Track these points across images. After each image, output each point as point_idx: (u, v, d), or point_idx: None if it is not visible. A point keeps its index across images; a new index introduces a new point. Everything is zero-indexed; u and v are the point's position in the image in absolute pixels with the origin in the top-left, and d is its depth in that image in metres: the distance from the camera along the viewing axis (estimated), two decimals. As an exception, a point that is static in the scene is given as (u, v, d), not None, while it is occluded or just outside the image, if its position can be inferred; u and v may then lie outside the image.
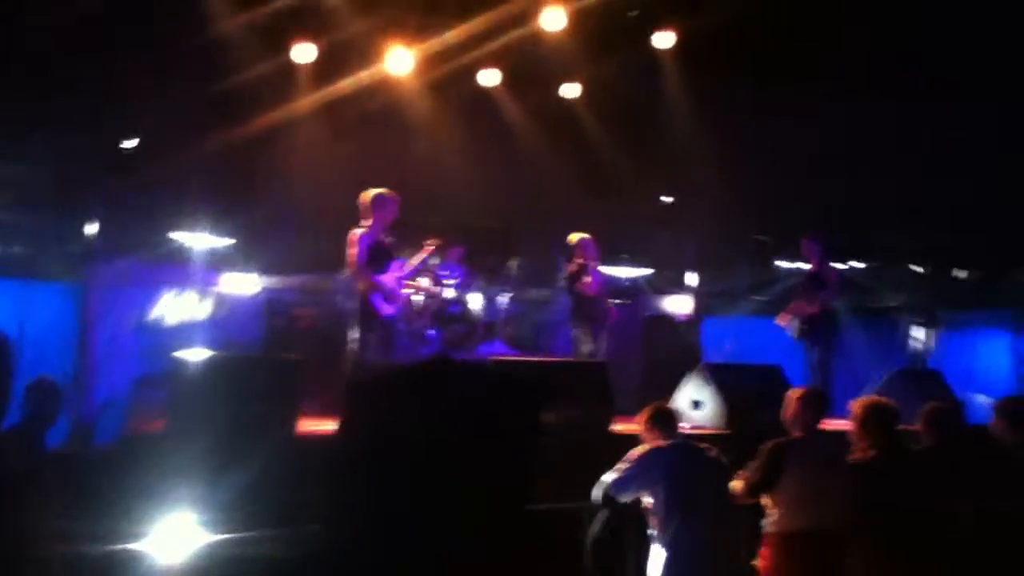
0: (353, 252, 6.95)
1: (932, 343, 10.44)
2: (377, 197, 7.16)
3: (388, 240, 7.20)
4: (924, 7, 9.07)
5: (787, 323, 8.50)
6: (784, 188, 11.11)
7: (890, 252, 10.84)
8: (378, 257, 7.03)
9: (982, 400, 8.87)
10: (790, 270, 11.36)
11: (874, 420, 4.64)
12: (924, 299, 10.60)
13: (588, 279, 8.13)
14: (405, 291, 7.61)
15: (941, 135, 9.49)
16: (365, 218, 7.13)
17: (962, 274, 10.55)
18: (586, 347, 8.04)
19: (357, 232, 7.02)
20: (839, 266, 9.08)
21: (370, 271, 6.94)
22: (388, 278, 7.06)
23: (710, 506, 4.47)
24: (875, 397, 4.89)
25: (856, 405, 4.75)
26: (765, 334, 10.20)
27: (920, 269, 10.91)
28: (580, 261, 8.21)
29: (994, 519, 4.49)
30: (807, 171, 10.94)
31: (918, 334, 10.49)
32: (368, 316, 6.96)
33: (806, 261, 8.71)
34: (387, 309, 7.04)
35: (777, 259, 11.56)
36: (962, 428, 5.89)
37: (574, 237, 8.35)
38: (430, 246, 7.77)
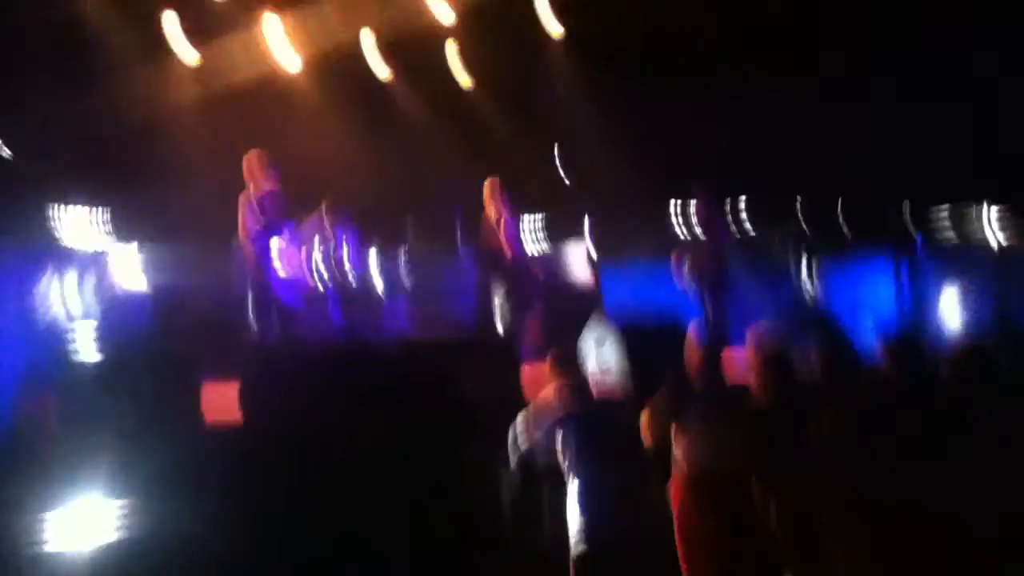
0: (243, 213, 6.78)
1: (817, 276, 10.83)
2: (257, 155, 6.95)
3: (276, 198, 7.00)
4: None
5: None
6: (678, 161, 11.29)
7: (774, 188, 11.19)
8: (269, 216, 6.84)
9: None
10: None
11: (769, 363, 4.78)
12: (807, 230, 10.97)
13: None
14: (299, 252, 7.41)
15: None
16: (252, 180, 6.94)
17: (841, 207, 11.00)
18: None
19: (245, 194, 6.85)
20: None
21: (262, 233, 6.78)
22: (280, 241, 6.88)
23: (619, 457, 4.58)
24: (768, 340, 4.98)
25: (751, 350, 4.87)
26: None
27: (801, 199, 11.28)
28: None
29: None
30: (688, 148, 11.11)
31: (803, 264, 10.86)
32: (260, 277, 6.81)
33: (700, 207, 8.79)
34: (276, 271, 6.88)
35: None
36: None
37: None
38: (324, 204, 7.62)
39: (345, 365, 3.92)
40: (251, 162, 6.91)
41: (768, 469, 4.66)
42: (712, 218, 8.85)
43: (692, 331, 7.63)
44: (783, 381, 4.75)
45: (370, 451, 3.66)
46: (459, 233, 10.38)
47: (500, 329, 7.98)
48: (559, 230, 11.29)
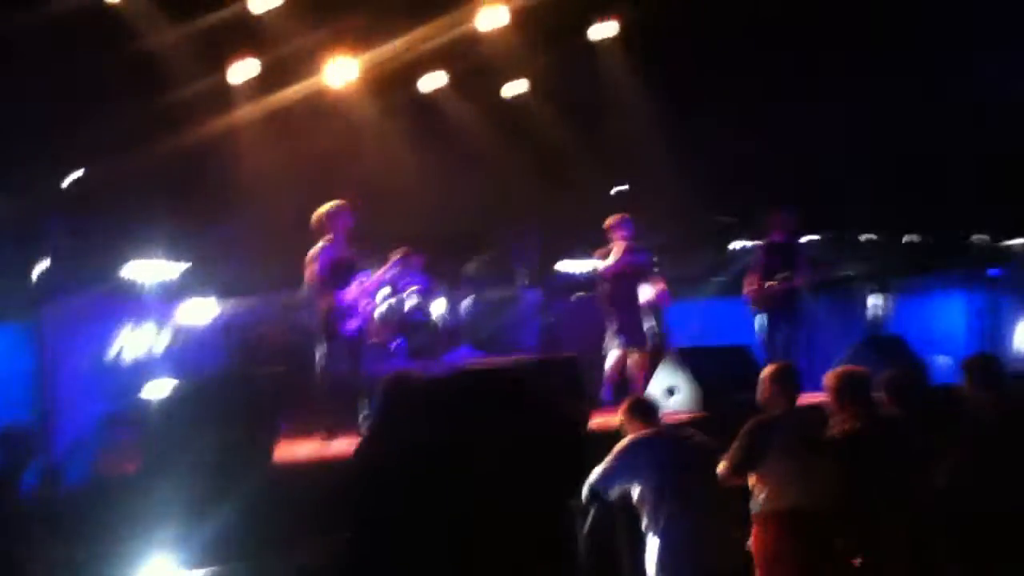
0: (313, 269, 6.89)
1: (888, 309, 10.62)
2: (330, 211, 7.10)
3: (349, 253, 7.13)
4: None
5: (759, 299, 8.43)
6: (736, 169, 11.25)
7: (841, 222, 11.00)
8: (339, 272, 6.96)
9: (943, 361, 9.05)
10: (746, 249, 11.48)
11: (849, 391, 4.69)
12: (878, 266, 10.77)
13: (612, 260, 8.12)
14: (368, 305, 7.50)
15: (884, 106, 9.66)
16: (323, 234, 7.06)
17: (913, 238, 10.75)
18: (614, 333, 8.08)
19: (317, 248, 6.95)
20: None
21: (330, 288, 6.89)
22: (348, 294, 7.00)
23: (698, 492, 4.49)
24: (848, 367, 4.94)
25: (830, 377, 4.80)
26: (727, 315, 10.32)
27: (872, 236, 11.08)
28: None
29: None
30: (756, 152, 11.09)
31: (875, 301, 10.67)
32: (331, 332, 6.91)
33: (780, 235, 8.55)
34: (348, 326, 6.99)
35: (732, 241, 11.66)
36: (926, 391, 5.99)
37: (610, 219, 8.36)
38: (396, 256, 7.69)
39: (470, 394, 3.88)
40: (320, 215, 7.04)
41: (862, 499, 4.55)
42: (789, 247, 8.56)
43: (765, 359, 7.60)
44: (862, 408, 4.65)
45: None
46: (522, 269, 10.39)
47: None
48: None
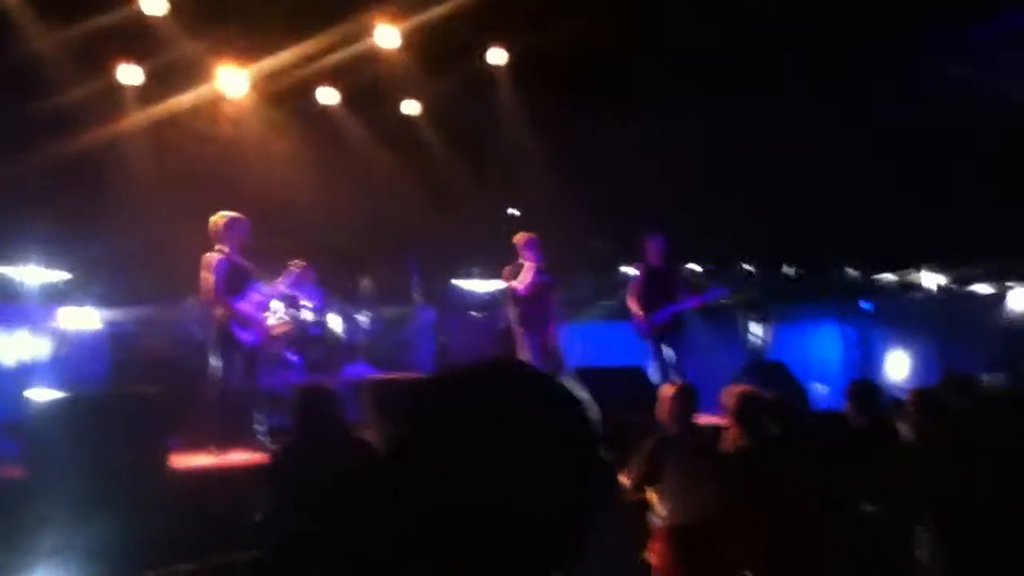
0: (209, 277, 6.73)
1: (768, 337, 11.09)
2: (229, 220, 6.98)
3: (244, 263, 7.01)
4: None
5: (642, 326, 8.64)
6: (617, 197, 11.56)
7: (721, 252, 11.43)
8: (236, 281, 6.84)
9: (819, 388, 9.52)
10: (628, 276, 11.82)
11: (746, 409, 4.89)
12: (757, 296, 11.24)
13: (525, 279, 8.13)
14: (265, 316, 7.38)
15: (764, 141, 10.08)
16: (218, 242, 6.93)
17: (790, 271, 11.26)
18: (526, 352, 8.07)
19: (212, 256, 6.81)
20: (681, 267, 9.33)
21: (227, 296, 6.75)
22: (245, 304, 6.89)
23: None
24: (746, 387, 5.13)
25: (728, 396, 4.99)
26: (614, 339, 10.58)
27: (751, 268, 11.55)
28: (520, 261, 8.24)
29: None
30: (641, 179, 11.44)
31: (755, 329, 11.13)
32: (228, 342, 6.76)
33: (656, 260, 8.76)
34: (246, 336, 6.86)
35: (617, 266, 11.98)
36: (807, 414, 6.29)
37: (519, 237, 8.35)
38: (294, 269, 7.59)
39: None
40: (218, 223, 6.91)
41: (748, 514, 4.75)
42: (668, 263, 8.83)
43: (658, 378, 7.83)
44: (756, 427, 4.85)
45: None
46: (417, 288, 10.39)
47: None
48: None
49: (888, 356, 9.89)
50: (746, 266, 11.54)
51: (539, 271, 8.18)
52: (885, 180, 9.24)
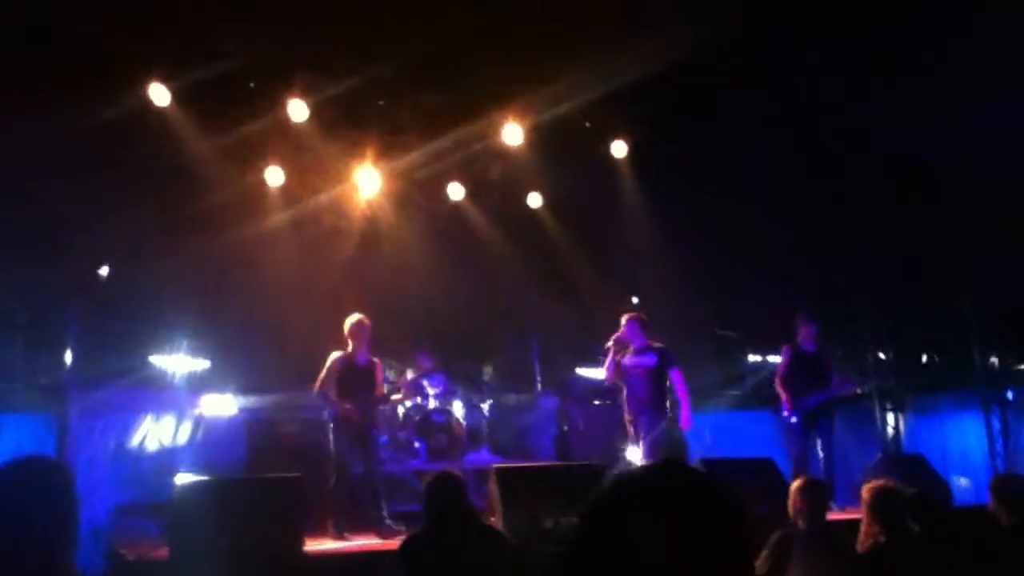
0: (321, 374, 7.16)
1: (903, 428, 10.65)
2: (353, 323, 7.33)
3: (364, 361, 7.30)
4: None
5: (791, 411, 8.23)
6: (742, 285, 11.44)
7: (855, 339, 11.10)
8: (348, 378, 7.19)
9: (961, 482, 9.04)
10: (756, 364, 11.59)
11: (883, 505, 4.72)
12: (892, 384, 10.83)
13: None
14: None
15: (894, 225, 9.88)
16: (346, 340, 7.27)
17: (928, 357, 10.84)
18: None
19: (335, 354, 7.25)
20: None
21: (334, 392, 7.13)
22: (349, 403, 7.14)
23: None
24: (884, 482, 4.95)
25: (866, 491, 4.83)
26: (740, 428, 10.36)
27: (883, 355, 11.17)
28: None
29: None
30: (764, 265, 11.31)
31: (890, 419, 10.70)
32: (339, 432, 7.11)
33: (808, 343, 8.40)
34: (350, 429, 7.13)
35: (743, 355, 11.78)
36: (950, 511, 5.99)
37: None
38: (421, 371, 7.87)
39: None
40: (355, 326, 7.26)
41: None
42: (817, 356, 8.39)
43: (793, 470, 7.59)
44: (895, 523, 4.67)
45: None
46: (538, 373, 10.51)
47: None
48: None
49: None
50: (880, 353, 11.17)
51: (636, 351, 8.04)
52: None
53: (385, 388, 7.56)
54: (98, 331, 8.53)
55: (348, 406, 7.02)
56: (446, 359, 9.46)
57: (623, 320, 8.09)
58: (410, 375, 7.80)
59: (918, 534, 4.93)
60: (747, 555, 1.37)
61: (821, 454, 8.08)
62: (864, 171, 9.93)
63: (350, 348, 7.27)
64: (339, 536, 6.71)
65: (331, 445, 7.16)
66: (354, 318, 7.35)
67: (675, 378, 7.90)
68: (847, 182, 10.17)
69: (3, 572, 2.32)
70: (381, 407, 7.84)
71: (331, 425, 7.18)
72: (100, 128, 8.45)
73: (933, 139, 9.27)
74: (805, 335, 8.37)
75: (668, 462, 1.45)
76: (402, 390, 8.16)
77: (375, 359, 7.42)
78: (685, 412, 7.81)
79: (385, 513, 6.92)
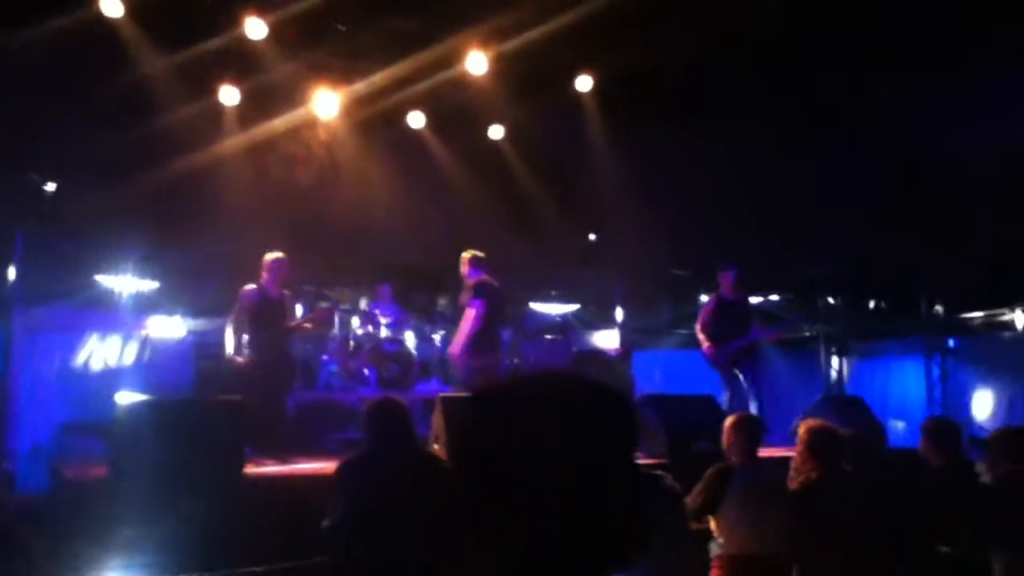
0: (234, 307, 7.34)
1: (847, 371, 10.87)
2: (276, 259, 7.49)
3: (276, 294, 7.45)
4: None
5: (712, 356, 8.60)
6: (701, 225, 11.50)
7: (806, 284, 11.25)
8: (262, 310, 7.32)
9: (898, 425, 9.27)
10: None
11: (818, 443, 4.82)
12: (838, 329, 11.03)
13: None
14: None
15: (846, 168, 9.92)
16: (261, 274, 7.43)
17: (874, 304, 11.02)
18: None
19: (247, 287, 7.39)
20: (753, 298, 9.25)
21: (247, 324, 7.27)
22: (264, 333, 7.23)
23: (667, 531, 4.56)
24: (821, 422, 5.05)
25: (803, 428, 4.92)
26: (690, 366, 10.49)
27: (832, 300, 11.33)
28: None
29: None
30: (721, 208, 11.37)
31: (834, 363, 10.91)
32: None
33: (728, 292, 8.79)
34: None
35: (697, 294, 11.88)
36: (882, 452, 6.14)
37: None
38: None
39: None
40: (276, 263, 7.36)
41: (809, 551, 4.68)
42: (739, 294, 8.79)
43: (727, 408, 7.76)
44: (829, 461, 4.77)
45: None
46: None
47: None
48: (589, 314, 11.41)
49: (973, 395, 9.57)
50: (829, 299, 11.33)
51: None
52: (977, 214, 8.99)
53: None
54: (44, 248, 8.36)
55: (239, 355, 7.18)
56: (399, 290, 9.43)
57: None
58: (363, 304, 7.78)
59: (850, 473, 5.05)
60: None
61: (750, 393, 8.33)
62: (816, 114, 9.93)
63: (263, 281, 7.41)
64: (286, 461, 6.74)
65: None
66: (277, 255, 7.49)
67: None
68: (801, 124, 10.15)
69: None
70: (301, 335, 8.01)
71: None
72: (50, 39, 8.21)
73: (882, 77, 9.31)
74: (725, 284, 8.66)
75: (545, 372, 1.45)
76: (315, 321, 8.14)
77: (287, 292, 7.62)
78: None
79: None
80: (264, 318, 7.28)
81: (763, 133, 10.44)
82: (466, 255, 7.68)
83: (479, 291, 7.43)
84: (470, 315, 7.49)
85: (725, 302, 8.74)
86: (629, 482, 1.36)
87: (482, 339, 7.29)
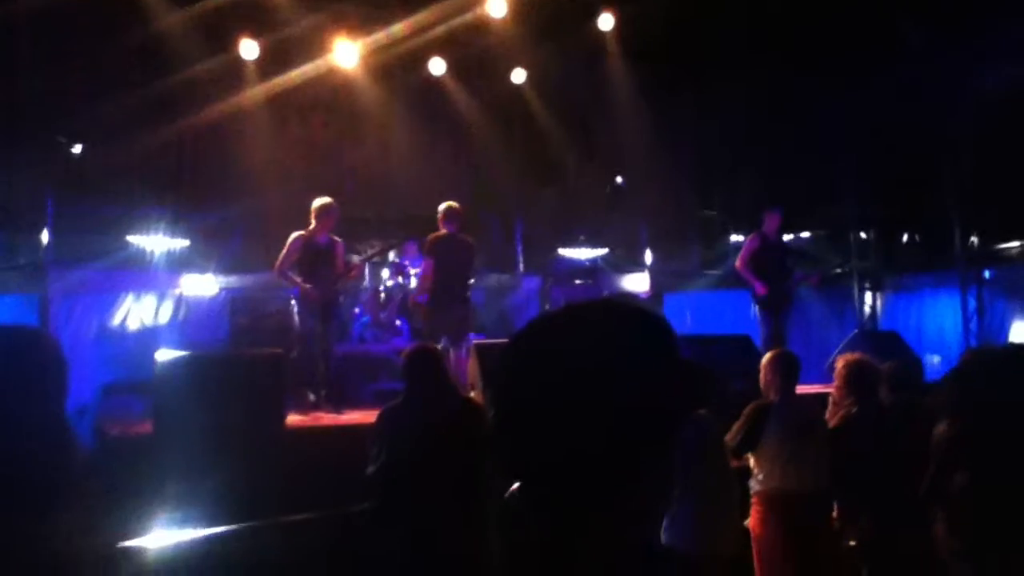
0: (281, 253, 7.15)
1: (880, 307, 10.78)
2: (324, 205, 7.29)
3: (325, 241, 7.29)
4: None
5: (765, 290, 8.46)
6: (728, 165, 11.39)
7: (837, 220, 11.13)
8: (309, 257, 7.20)
9: (934, 360, 9.21)
10: (737, 243, 11.62)
11: (857, 377, 4.80)
12: (871, 264, 10.92)
13: None
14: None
15: (879, 103, 9.75)
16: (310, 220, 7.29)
17: (907, 238, 10.89)
18: None
19: (294, 234, 7.22)
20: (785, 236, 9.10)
21: (294, 271, 7.15)
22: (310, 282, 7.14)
23: (703, 472, 4.58)
24: (859, 355, 5.02)
25: (840, 363, 4.90)
26: (721, 307, 10.46)
27: (865, 235, 11.22)
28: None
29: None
30: (749, 147, 11.24)
31: (868, 299, 10.82)
32: (303, 309, 7.20)
33: (767, 232, 8.59)
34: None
35: (726, 235, 11.81)
36: (922, 384, 6.09)
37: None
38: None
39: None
40: (323, 208, 7.19)
41: (848, 484, 4.69)
42: (780, 246, 8.68)
43: (764, 347, 7.72)
44: (867, 396, 4.75)
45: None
46: (520, 254, 10.52)
47: None
48: (618, 258, 11.38)
49: (1010, 327, 9.46)
50: (861, 234, 11.21)
51: None
52: (1011, 142, 8.80)
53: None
54: (75, 211, 8.44)
55: (308, 285, 7.04)
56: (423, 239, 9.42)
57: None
58: (392, 256, 7.79)
59: (889, 406, 5.03)
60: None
61: (780, 332, 8.28)
62: (843, 48, 9.73)
63: (312, 227, 7.25)
64: (314, 408, 6.85)
65: (295, 322, 7.31)
66: (325, 200, 7.31)
67: None
68: (826, 71, 9.95)
69: None
70: (343, 285, 7.85)
71: (293, 303, 7.36)
72: (68, 4, 8.20)
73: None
74: (771, 225, 8.51)
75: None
76: (355, 270, 8.11)
77: (336, 239, 7.40)
78: None
79: (323, 393, 7.04)
80: (312, 265, 7.17)
81: (790, 67, 10.26)
82: (440, 208, 7.58)
83: (428, 249, 7.35)
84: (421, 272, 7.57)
85: (769, 243, 8.57)
86: (670, 413, 1.35)
87: (437, 294, 7.20)
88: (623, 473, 1.30)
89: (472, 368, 6.45)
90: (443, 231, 7.36)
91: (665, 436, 1.35)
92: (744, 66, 10.47)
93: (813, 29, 9.88)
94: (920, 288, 10.49)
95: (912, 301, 10.48)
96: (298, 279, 7.07)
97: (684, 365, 1.38)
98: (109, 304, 8.30)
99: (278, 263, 7.12)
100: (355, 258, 8.11)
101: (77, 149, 8.53)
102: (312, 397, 6.98)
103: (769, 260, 8.43)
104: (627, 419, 1.30)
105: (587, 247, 11.18)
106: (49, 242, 8.22)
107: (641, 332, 1.35)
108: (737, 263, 8.55)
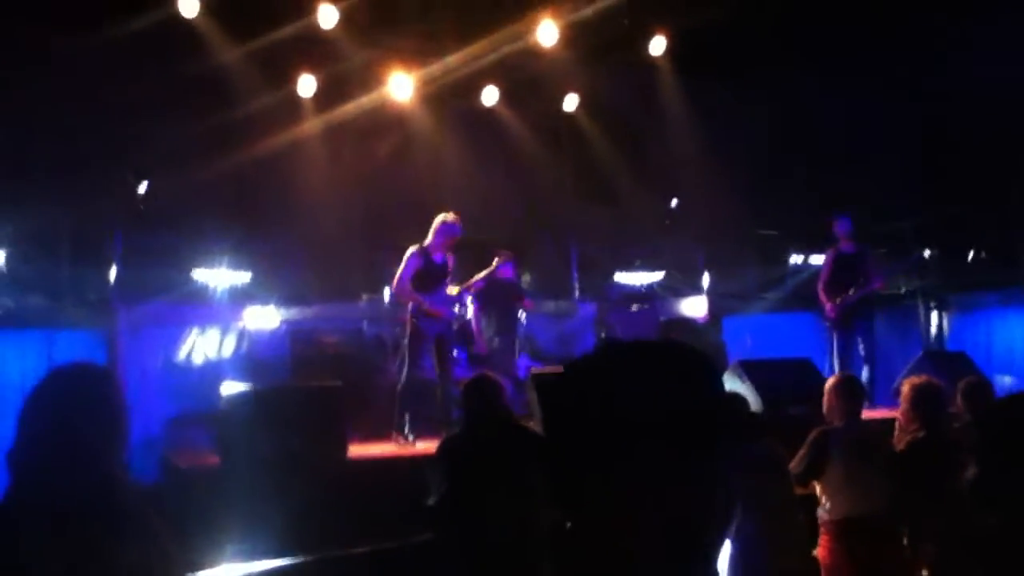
0: (399, 270, 7.07)
1: (946, 326, 10.52)
2: (445, 221, 7.23)
3: (440, 259, 7.21)
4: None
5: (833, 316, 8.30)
6: (785, 183, 11.26)
7: (900, 237, 10.92)
8: (424, 274, 7.10)
9: (1005, 380, 8.95)
10: (797, 265, 11.47)
11: (924, 401, 4.71)
12: (936, 282, 10.68)
13: None
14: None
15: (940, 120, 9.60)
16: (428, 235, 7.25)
17: (972, 255, 10.62)
18: None
19: (411, 249, 7.13)
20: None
21: (412, 289, 7.03)
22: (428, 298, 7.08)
23: (770, 495, 4.52)
24: (926, 378, 4.92)
25: (907, 386, 4.81)
26: (782, 329, 10.31)
27: (928, 253, 10.98)
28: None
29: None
30: (806, 165, 11.12)
31: (933, 318, 10.57)
32: (413, 333, 7.09)
33: (847, 245, 8.37)
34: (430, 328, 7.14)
35: (786, 255, 11.65)
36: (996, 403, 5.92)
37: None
38: (498, 261, 7.89)
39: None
40: (443, 225, 7.17)
41: (917, 511, 4.58)
42: (856, 256, 8.39)
43: (834, 370, 7.60)
44: (935, 419, 4.65)
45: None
46: (576, 280, 10.50)
47: None
48: (675, 281, 11.30)
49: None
50: (925, 251, 10.97)
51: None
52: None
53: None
54: (141, 247, 8.64)
55: (428, 306, 6.96)
56: (483, 268, 9.47)
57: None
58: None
59: (958, 429, 4.91)
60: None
61: (863, 354, 8.10)
62: (899, 71, 9.61)
63: (428, 244, 7.15)
64: (404, 441, 6.77)
65: (405, 343, 7.19)
66: (447, 216, 7.22)
67: None
68: (884, 83, 9.82)
69: (53, 477, 2.36)
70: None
71: (409, 322, 7.15)
72: (131, 41, 8.43)
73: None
74: (842, 234, 8.35)
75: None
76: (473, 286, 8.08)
77: (450, 255, 7.32)
78: None
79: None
80: (425, 282, 7.07)
81: (849, 80, 10.16)
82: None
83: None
84: None
85: (843, 255, 8.37)
86: (724, 444, 1.35)
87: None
88: (679, 515, 1.30)
89: (530, 397, 6.45)
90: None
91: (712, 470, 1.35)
92: (798, 82, 10.40)
93: (871, 43, 9.79)
94: (987, 306, 10.22)
95: (980, 320, 10.22)
96: (419, 297, 6.99)
97: (725, 400, 1.39)
98: (175, 338, 8.46)
99: (396, 279, 7.03)
100: None
101: (143, 188, 8.74)
102: (410, 438, 6.84)
103: (847, 271, 8.25)
104: (676, 459, 1.30)
105: (643, 271, 11.13)
106: (116, 277, 8.42)
107: (692, 375, 1.36)
108: (819, 284, 8.43)
